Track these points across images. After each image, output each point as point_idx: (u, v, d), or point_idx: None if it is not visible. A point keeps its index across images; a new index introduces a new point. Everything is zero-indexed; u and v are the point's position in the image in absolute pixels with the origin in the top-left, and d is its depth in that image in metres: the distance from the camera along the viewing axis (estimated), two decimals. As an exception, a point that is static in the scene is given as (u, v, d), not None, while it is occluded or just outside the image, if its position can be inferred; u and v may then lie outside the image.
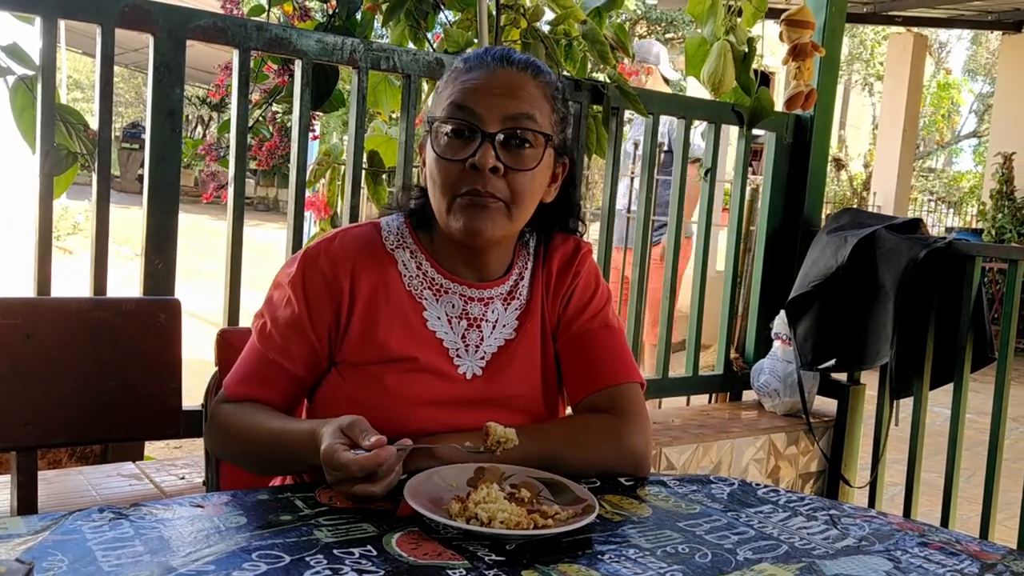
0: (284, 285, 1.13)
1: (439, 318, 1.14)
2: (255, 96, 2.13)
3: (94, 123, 1.71)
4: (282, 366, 1.12)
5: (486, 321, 1.15)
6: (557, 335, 1.20)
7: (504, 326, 1.16)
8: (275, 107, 2.28)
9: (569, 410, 1.23)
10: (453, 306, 1.15)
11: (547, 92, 1.12)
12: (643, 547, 0.89)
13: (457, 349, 1.13)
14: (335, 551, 0.82)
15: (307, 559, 0.80)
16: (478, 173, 1.05)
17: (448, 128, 1.08)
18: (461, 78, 1.10)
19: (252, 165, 2.16)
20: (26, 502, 1.31)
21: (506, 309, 1.17)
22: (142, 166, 1.80)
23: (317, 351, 1.13)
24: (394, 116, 2.30)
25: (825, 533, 0.97)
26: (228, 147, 2.05)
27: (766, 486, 1.11)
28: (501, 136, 1.06)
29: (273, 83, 2.18)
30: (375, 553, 0.82)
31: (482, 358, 1.14)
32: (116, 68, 1.74)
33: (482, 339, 1.15)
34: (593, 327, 1.19)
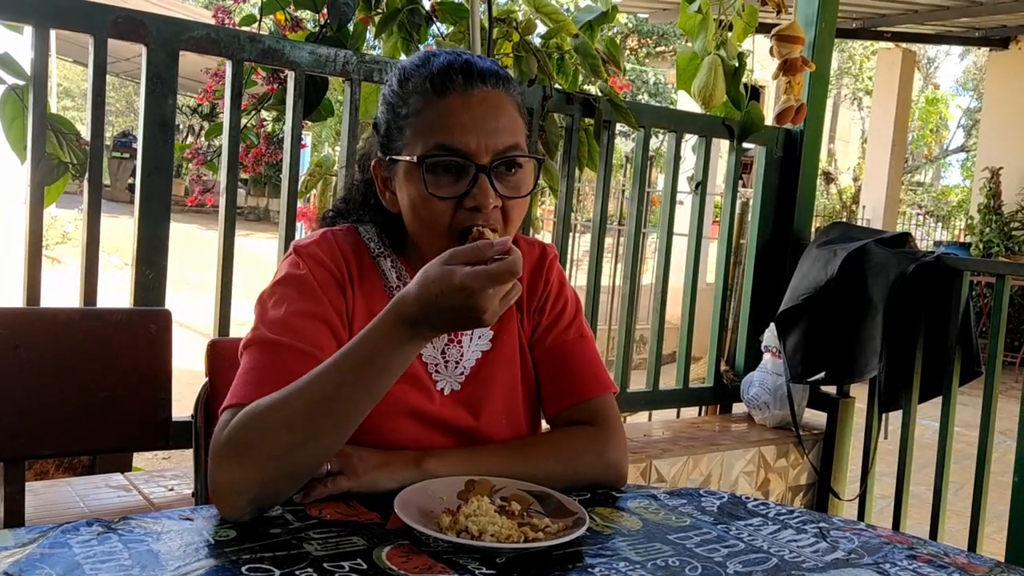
0: (291, 282, 1.04)
1: None
2: (243, 102, 2.12)
3: (85, 132, 1.71)
4: (312, 356, 0.97)
5: (465, 335, 1.13)
6: (532, 345, 1.18)
7: (480, 337, 1.14)
8: (263, 114, 2.28)
9: (544, 423, 1.22)
10: None
11: (518, 104, 1.08)
12: (633, 560, 0.89)
13: (436, 365, 1.11)
14: (325, 565, 0.81)
15: (297, 573, 0.79)
16: (478, 212, 1.01)
17: (437, 165, 1.01)
18: (436, 106, 1.02)
19: (240, 173, 2.16)
20: (13, 514, 1.30)
21: None
22: (132, 175, 1.81)
23: (341, 344, 1.00)
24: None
25: (815, 546, 0.97)
26: (215, 150, 2.04)
27: (756, 499, 1.12)
28: (493, 166, 1.02)
29: (262, 89, 2.18)
30: (365, 567, 0.82)
31: (461, 373, 1.12)
32: (107, 77, 1.74)
33: (462, 354, 1.13)
34: (568, 338, 1.18)
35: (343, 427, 0.92)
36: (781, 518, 1.06)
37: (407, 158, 1.03)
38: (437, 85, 1.03)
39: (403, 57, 2.25)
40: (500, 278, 0.85)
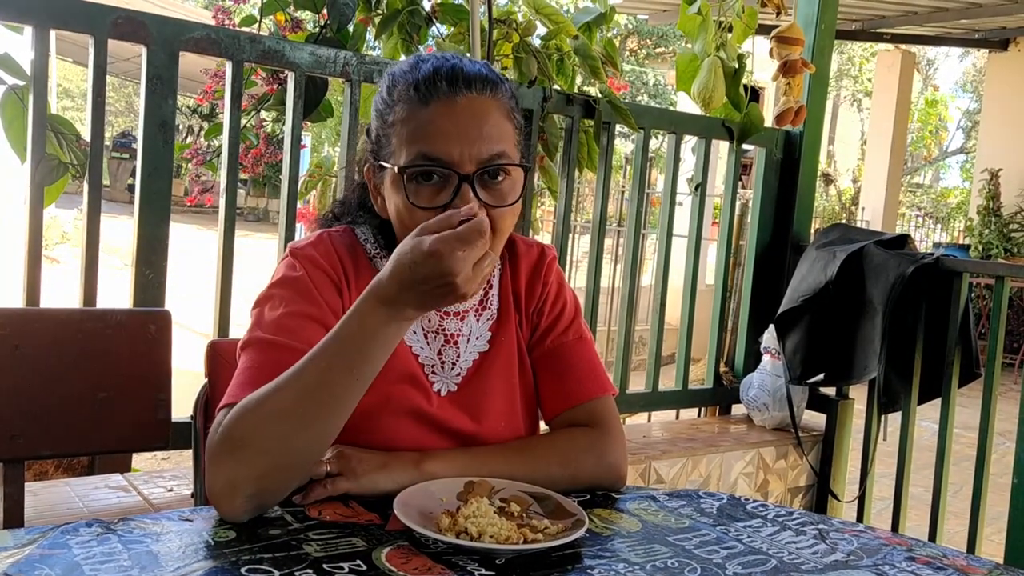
0: (288, 283, 1.05)
1: (415, 331, 1.11)
2: (243, 102, 2.13)
3: (85, 132, 1.71)
4: (303, 353, 0.93)
5: (462, 336, 1.13)
6: (531, 347, 1.18)
7: (477, 338, 1.14)
8: (263, 114, 2.28)
9: (542, 424, 1.22)
10: (429, 320, 1.12)
11: (507, 109, 1.05)
12: (632, 561, 0.89)
13: (433, 366, 1.11)
14: (324, 566, 0.82)
15: (296, 574, 0.80)
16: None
17: (419, 175, 1.00)
18: (419, 114, 1.01)
19: (240, 174, 2.16)
20: (12, 514, 1.30)
21: (478, 321, 1.15)
22: (132, 175, 1.81)
23: None
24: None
25: (814, 548, 0.97)
26: (215, 151, 2.04)
27: (755, 500, 1.12)
28: (477, 175, 1.00)
29: (261, 90, 2.18)
30: (365, 568, 0.82)
31: (458, 374, 1.12)
32: (107, 78, 1.74)
33: (458, 356, 1.12)
34: (567, 340, 1.18)
35: (333, 415, 0.92)
36: (780, 519, 1.06)
37: (390, 167, 1.03)
38: (421, 92, 1.01)
39: (403, 58, 2.25)
40: (468, 238, 0.86)
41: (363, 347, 0.90)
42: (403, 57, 2.25)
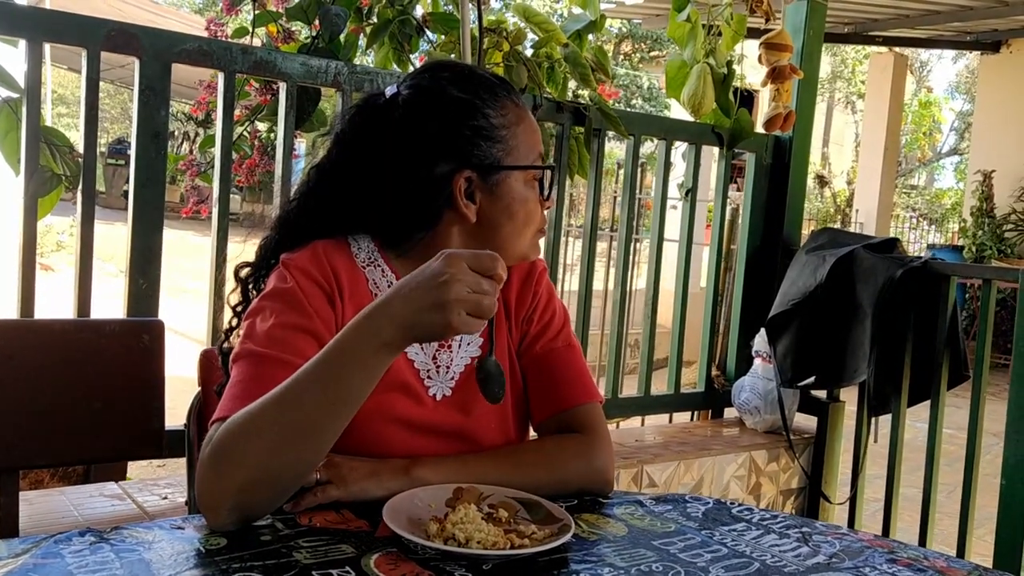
0: (279, 295, 1.05)
1: None
2: (236, 113, 2.14)
3: (78, 142, 1.72)
4: (296, 367, 0.93)
5: (454, 340, 1.15)
6: (521, 352, 1.21)
7: (469, 344, 1.16)
8: (257, 125, 2.29)
9: (531, 430, 1.24)
10: None
11: None
12: (618, 566, 0.90)
13: (428, 371, 1.13)
14: (314, 572, 0.83)
15: (286, 580, 0.81)
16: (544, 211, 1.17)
17: (539, 175, 1.14)
18: (526, 119, 1.14)
19: (233, 182, 2.17)
20: (7, 524, 1.31)
21: None
22: (127, 182, 1.82)
23: None
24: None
25: (797, 551, 0.99)
26: (210, 162, 2.06)
27: (740, 504, 1.13)
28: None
29: (255, 100, 2.19)
30: (354, 574, 0.83)
31: (452, 378, 1.14)
32: (101, 84, 1.75)
33: (452, 360, 1.14)
34: (557, 346, 1.20)
35: (311, 438, 0.92)
36: (765, 523, 1.07)
37: (527, 166, 1.12)
38: (516, 99, 1.14)
39: (394, 67, 2.26)
40: (482, 259, 0.88)
41: (341, 371, 0.89)
42: (394, 67, 2.27)
